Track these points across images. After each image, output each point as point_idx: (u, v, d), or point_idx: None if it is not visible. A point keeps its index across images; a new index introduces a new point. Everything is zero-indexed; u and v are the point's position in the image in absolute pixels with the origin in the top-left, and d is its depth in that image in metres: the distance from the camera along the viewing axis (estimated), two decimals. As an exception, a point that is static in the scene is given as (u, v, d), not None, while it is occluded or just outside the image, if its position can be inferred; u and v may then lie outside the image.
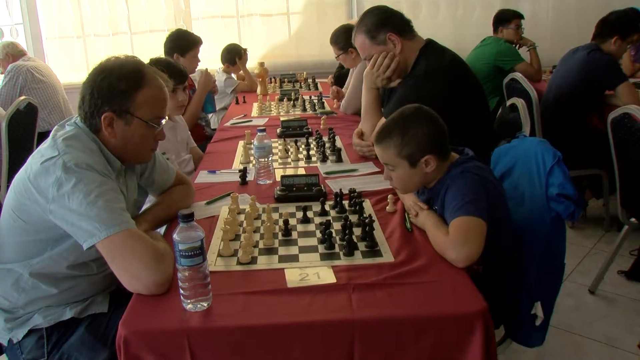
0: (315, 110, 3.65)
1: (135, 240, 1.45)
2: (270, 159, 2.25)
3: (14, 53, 4.41)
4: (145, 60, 1.74)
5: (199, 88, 3.71)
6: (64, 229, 1.49)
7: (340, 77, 4.45)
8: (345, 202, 1.92)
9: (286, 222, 1.72)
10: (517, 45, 4.63)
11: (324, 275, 1.47)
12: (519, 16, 4.63)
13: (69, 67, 5.60)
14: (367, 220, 1.65)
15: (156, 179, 1.93)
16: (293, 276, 1.47)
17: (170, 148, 2.70)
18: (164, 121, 1.71)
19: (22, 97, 3.38)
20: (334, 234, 1.65)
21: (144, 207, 1.93)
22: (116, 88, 1.59)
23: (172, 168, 2.02)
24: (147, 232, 1.63)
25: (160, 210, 1.85)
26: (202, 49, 4.00)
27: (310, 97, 3.93)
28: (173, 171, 2.01)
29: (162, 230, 2.57)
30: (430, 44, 2.41)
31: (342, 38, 3.64)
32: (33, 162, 1.55)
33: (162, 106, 1.69)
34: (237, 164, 2.53)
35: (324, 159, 2.51)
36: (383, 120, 2.34)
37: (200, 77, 3.78)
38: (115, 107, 1.59)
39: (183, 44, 3.84)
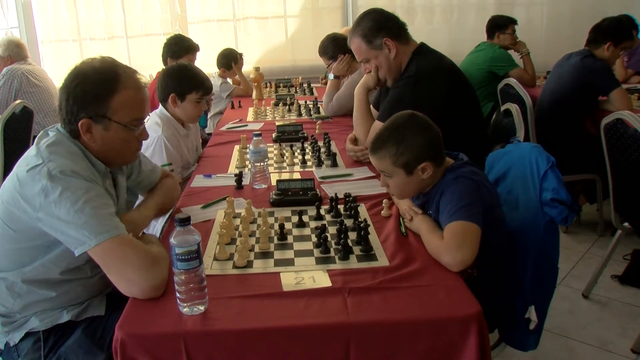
0: (310, 115, 3.67)
1: (127, 246, 1.44)
2: (265, 163, 2.26)
3: (15, 56, 4.40)
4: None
5: None
6: (54, 236, 1.48)
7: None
8: (341, 207, 1.93)
9: (282, 226, 1.73)
10: (514, 50, 4.66)
11: (320, 279, 1.48)
12: (514, 22, 4.66)
13: (65, 71, 5.54)
14: (362, 225, 1.65)
15: (144, 179, 1.94)
16: (289, 280, 1.48)
17: (179, 157, 2.70)
18: (146, 120, 1.68)
19: (18, 101, 3.38)
20: (329, 238, 1.67)
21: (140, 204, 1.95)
22: (90, 94, 1.56)
23: (157, 165, 2.05)
24: (143, 235, 1.64)
25: (159, 197, 1.88)
26: (197, 52, 4.01)
27: (306, 102, 3.95)
28: (158, 167, 2.03)
29: (157, 233, 2.58)
30: (423, 47, 2.43)
31: (330, 47, 3.69)
32: (19, 170, 1.53)
33: (141, 107, 1.66)
34: (232, 168, 2.54)
35: (319, 163, 2.53)
36: (376, 123, 2.36)
37: None
38: (91, 113, 1.57)
39: (176, 49, 3.88)
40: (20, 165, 1.55)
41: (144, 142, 1.76)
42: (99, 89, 1.56)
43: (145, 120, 1.69)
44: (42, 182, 1.45)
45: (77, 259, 1.49)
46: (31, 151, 1.57)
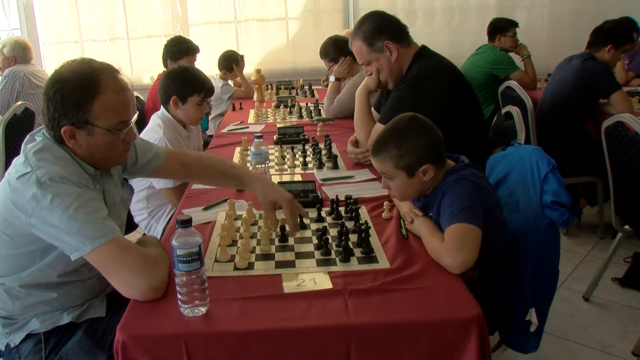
0: (311, 117, 3.67)
1: (122, 249, 1.44)
2: (267, 165, 2.27)
3: (19, 58, 4.40)
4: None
5: None
6: (49, 242, 1.48)
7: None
8: (342, 209, 1.94)
9: (283, 228, 1.73)
10: (514, 53, 4.67)
11: (321, 281, 1.48)
12: (515, 24, 4.67)
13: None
14: (363, 227, 1.66)
15: (145, 162, 1.88)
16: (290, 282, 1.48)
17: None
18: (134, 118, 1.62)
19: (19, 103, 3.39)
20: (330, 240, 1.67)
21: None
22: (70, 101, 1.50)
23: (160, 149, 1.96)
24: (144, 237, 1.62)
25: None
26: (198, 55, 4.02)
27: (307, 104, 3.95)
28: (156, 145, 1.96)
29: (158, 235, 2.58)
30: (424, 50, 2.44)
31: (332, 50, 3.71)
32: (9, 178, 1.51)
33: (124, 110, 1.58)
34: (233, 170, 2.53)
35: (320, 165, 2.53)
36: (377, 126, 2.36)
37: None
38: (73, 119, 1.51)
39: (175, 50, 3.87)
40: (10, 173, 1.52)
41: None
42: (78, 95, 1.50)
43: (132, 121, 1.62)
44: (32, 189, 1.43)
45: (73, 262, 1.48)
46: (19, 158, 1.55)
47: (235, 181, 1.98)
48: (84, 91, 1.51)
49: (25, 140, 1.60)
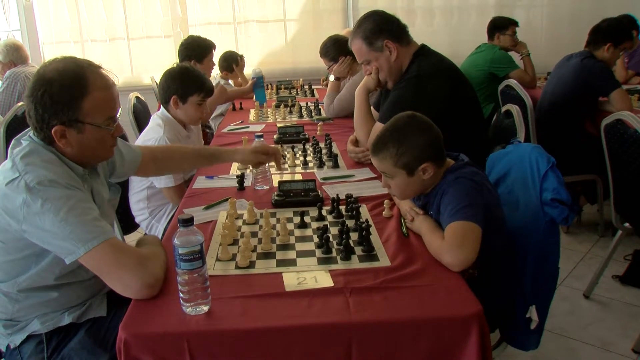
0: (311, 116, 3.68)
1: (116, 250, 1.44)
2: (267, 165, 2.27)
3: (16, 60, 4.41)
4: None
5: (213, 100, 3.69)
6: (42, 246, 1.48)
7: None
8: (342, 208, 1.94)
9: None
10: (515, 51, 4.67)
11: (322, 279, 1.49)
12: (515, 23, 4.67)
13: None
14: (363, 225, 1.66)
15: (129, 161, 1.92)
16: (291, 280, 1.49)
17: None
18: (120, 113, 1.63)
19: (20, 104, 3.39)
20: (331, 239, 1.67)
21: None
22: (59, 101, 1.50)
23: (136, 148, 2.01)
24: (145, 236, 1.62)
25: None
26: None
27: (307, 103, 3.95)
28: (138, 150, 1.99)
29: (160, 234, 2.59)
30: (423, 49, 2.44)
31: (332, 49, 3.71)
32: None
33: (113, 105, 1.60)
34: (234, 170, 2.54)
35: (320, 164, 2.54)
36: (377, 125, 2.37)
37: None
38: (63, 119, 1.51)
39: (199, 51, 3.86)
40: None
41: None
42: (68, 95, 1.51)
43: (119, 113, 1.64)
44: (22, 195, 1.43)
45: (69, 264, 1.47)
46: (7, 164, 1.54)
47: (211, 158, 2.03)
48: (72, 90, 1.51)
49: (11, 144, 1.60)
